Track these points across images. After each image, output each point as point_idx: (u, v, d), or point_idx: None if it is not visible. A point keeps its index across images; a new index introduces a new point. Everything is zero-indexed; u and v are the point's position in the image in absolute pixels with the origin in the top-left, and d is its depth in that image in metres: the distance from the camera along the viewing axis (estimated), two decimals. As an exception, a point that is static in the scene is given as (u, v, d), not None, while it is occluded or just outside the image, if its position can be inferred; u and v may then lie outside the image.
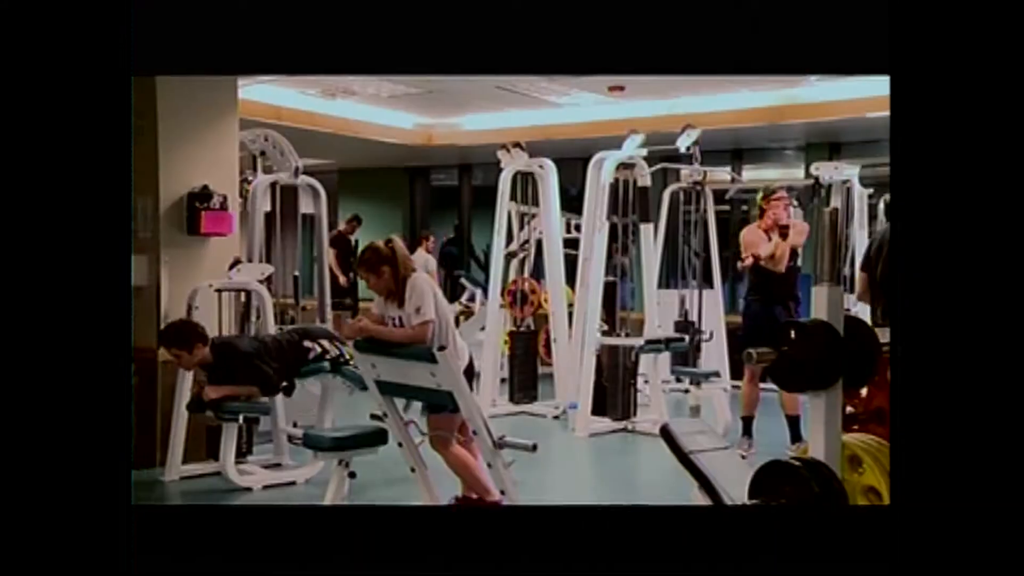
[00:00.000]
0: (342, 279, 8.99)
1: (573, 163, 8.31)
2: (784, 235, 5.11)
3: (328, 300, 5.89)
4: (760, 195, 5.46)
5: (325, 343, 4.57)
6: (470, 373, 3.82)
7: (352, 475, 3.66)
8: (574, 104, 8.45)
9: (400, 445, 3.70)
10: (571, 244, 7.17)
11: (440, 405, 3.53)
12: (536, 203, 7.00)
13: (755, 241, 5.25)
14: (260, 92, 7.48)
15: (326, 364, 4.55)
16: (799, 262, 5.41)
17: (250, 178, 5.76)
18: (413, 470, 3.71)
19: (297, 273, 6.13)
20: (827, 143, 8.90)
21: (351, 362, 4.39)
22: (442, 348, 3.39)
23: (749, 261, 5.28)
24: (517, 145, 6.79)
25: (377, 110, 8.94)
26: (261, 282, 5.02)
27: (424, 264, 8.85)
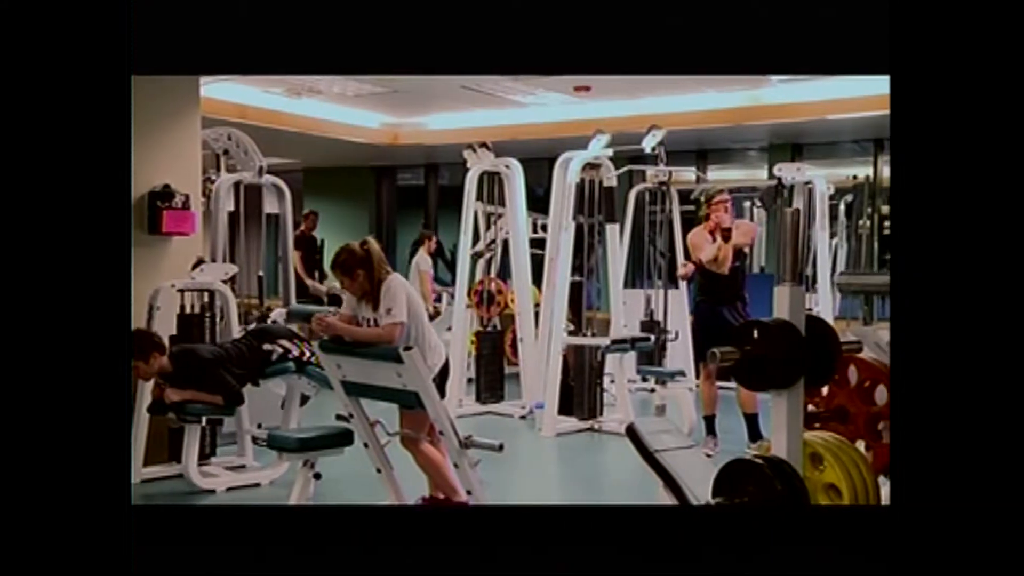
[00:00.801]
0: (308, 282, 8.90)
1: (539, 163, 8.34)
2: (726, 237, 5.19)
3: (293, 300, 5.84)
4: (703, 198, 5.54)
5: (286, 343, 4.52)
6: (445, 372, 3.84)
7: (317, 476, 3.63)
8: (540, 104, 8.47)
9: (366, 446, 3.68)
10: (537, 244, 7.19)
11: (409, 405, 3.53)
12: (502, 203, 7.01)
13: (699, 244, 5.35)
14: (224, 90, 7.39)
15: (291, 364, 4.51)
16: (763, 262, 5.51)
17: (213, 177, 5.69)
18: (379, 471, 3.69)
19: (261, 273, 6.07)
20: (789, 144, 9.02)
21: (315, 361, 4.36)
22: (408, 348, 3.38)
23: (687, 269, 5.47)
24: (483, 145, 6.80)
25: (343, 109, 8.88)
26: (225, 282, 4.96)
27: (416, 264, 8.77)
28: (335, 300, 8.90)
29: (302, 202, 11.11)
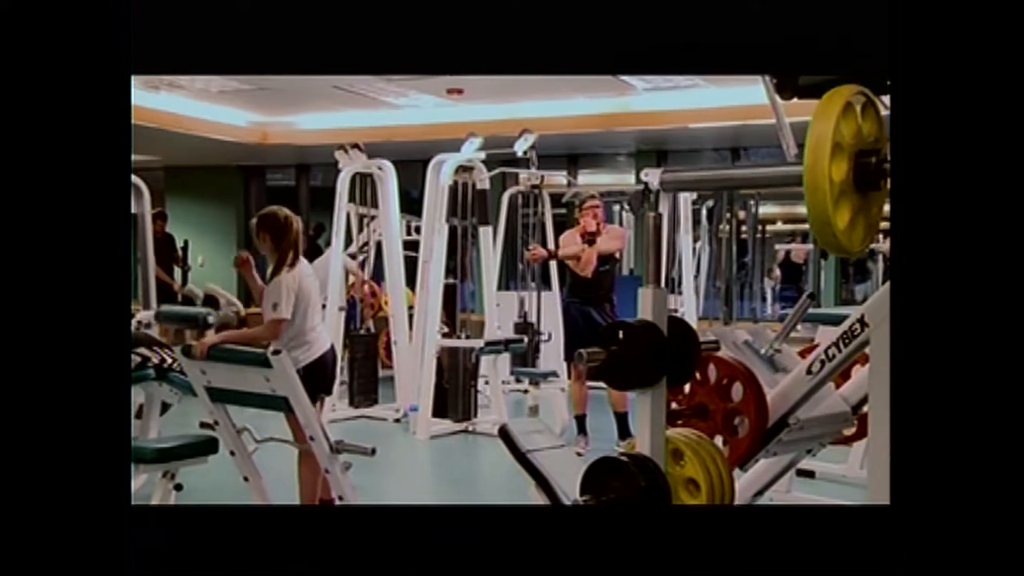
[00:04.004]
0: (176, 286, 8.51)
1: (413, 165, 8.29)
2: (590, 242, 5.36)
3: (154, 305, 5.57)
4: (577, 202, 5.74)
5: (145, 350, 4.31)
6: (332, 363, 3.82)
7: (178, 487, 3.48)
8: (413, 106, 8.43)
9: (233, 454, 3.57)
10: (411, 246, 7.15)
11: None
12: (375, 205, 6.94)
13: (568, 244, 5.55)
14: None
15: (151, 371, 4.30)
16: (632, 264, 5.70)
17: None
18: (247, 479, 3.58)
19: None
20: (655, 151, 9.33)
21: (177, 368, 4.18)
22: (276, 352, 3.30)
23: (536, 252, 5.96)
24: (355, 146, 6.70)
25: (207, 106, 8.56)
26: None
27: None
28: (210, 301, 8.56)
29: (164, 202, 10.64)
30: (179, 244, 9.01)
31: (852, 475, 4.47)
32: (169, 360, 4.30)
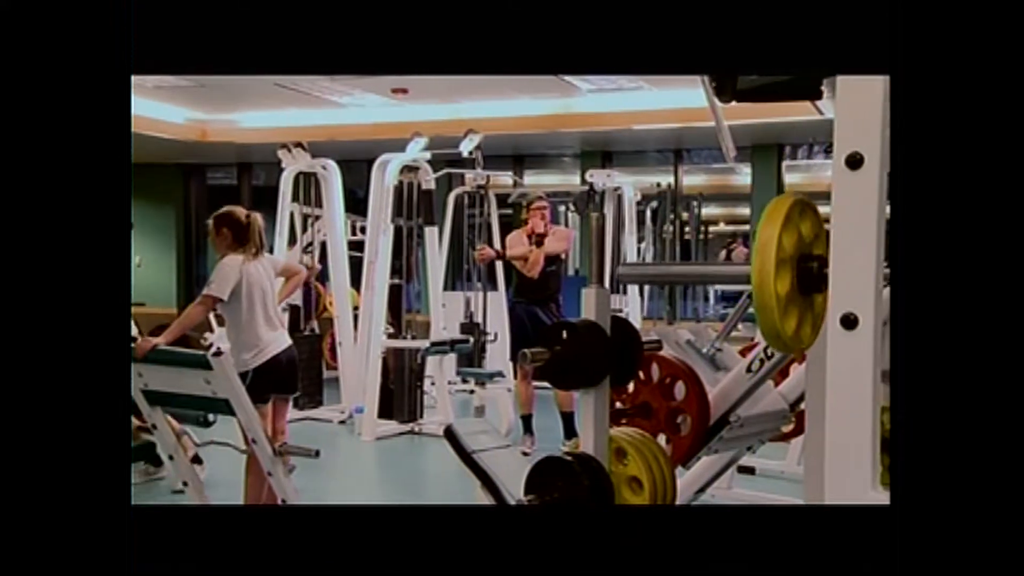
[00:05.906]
0: None
1: (358, 165, 8.22)
2: (539, 243, 5.41)
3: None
4: (524, 203, 5.78)
5: None
6: (280, 362, 3.77)
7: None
8: (358, 105, 8.36)
9: (171, 459, 3.49)
10: (356, 246, 7.09)
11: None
12: (319, 204, 6.86)
13: (515, 245, 5.59)
14: None
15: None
16: (578, 264, 5.74)
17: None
18: (186, 484, 3.51)
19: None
20: (600, 152, 9.41)
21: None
22: (217, 354, 3.24)
23: (484, 252, 5.97)
24: (299, 145, 6.63)
25: (142, 101, 8.35)
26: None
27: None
28: None
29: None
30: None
31: (790, 471, 4.57)
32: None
